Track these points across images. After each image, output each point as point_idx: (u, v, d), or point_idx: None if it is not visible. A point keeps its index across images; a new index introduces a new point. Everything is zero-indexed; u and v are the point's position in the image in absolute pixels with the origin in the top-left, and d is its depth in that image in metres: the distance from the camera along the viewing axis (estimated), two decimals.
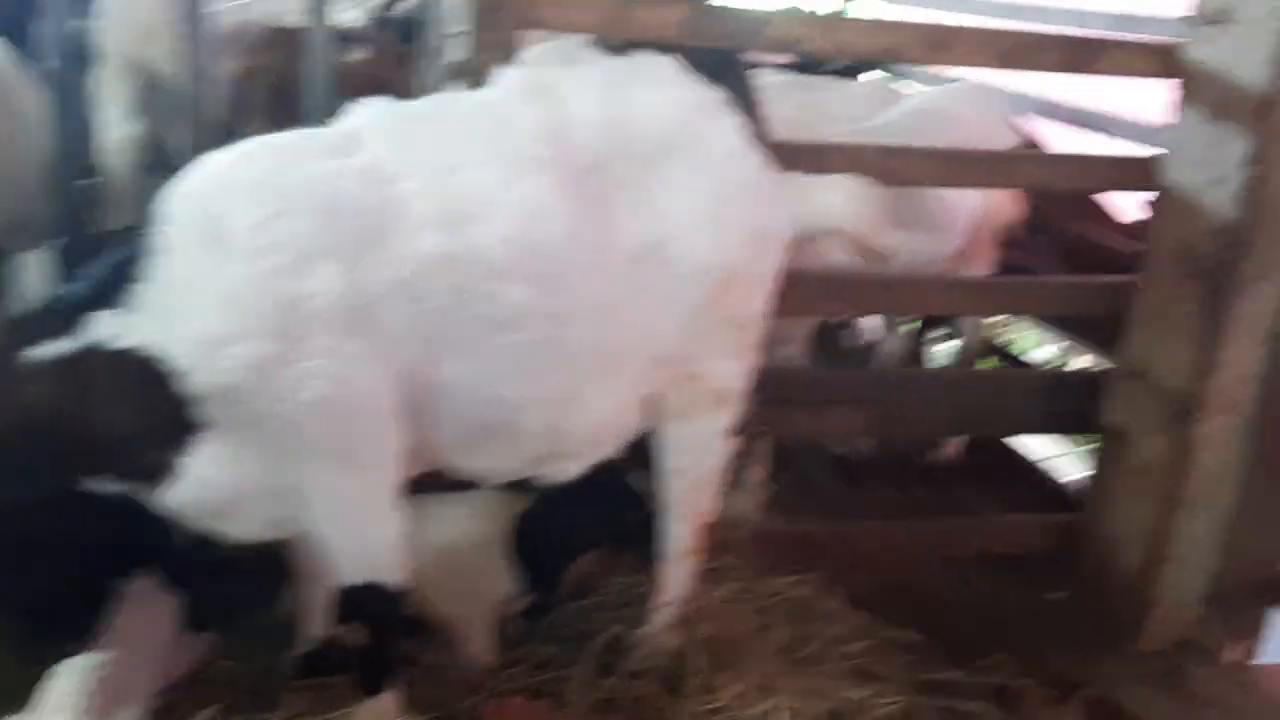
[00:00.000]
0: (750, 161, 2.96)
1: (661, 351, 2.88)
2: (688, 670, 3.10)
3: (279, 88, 3.72)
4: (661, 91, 2.89)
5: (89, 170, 3.57)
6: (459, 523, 3.30)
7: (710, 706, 2.98)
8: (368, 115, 2.70)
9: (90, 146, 3.59)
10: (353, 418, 2.50)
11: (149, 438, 2.51)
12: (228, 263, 2.41)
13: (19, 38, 3.99)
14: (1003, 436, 5.00)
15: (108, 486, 2.62)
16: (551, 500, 3.25)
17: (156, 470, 2.53)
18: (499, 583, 3.28)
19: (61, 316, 2.53)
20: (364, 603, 2.70)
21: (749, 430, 3.52)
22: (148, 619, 2.87)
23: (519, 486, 3.20)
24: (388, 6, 4.60)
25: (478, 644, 3.25)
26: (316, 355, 2.42)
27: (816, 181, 3.28)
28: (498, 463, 2.84)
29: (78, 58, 3.16)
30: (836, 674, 3.25)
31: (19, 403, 2.50)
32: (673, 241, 2.79)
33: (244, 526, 2.66)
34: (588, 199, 2.70)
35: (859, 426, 4.17)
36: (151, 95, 4.18)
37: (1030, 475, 4.95)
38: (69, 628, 2.75)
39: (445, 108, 2.84)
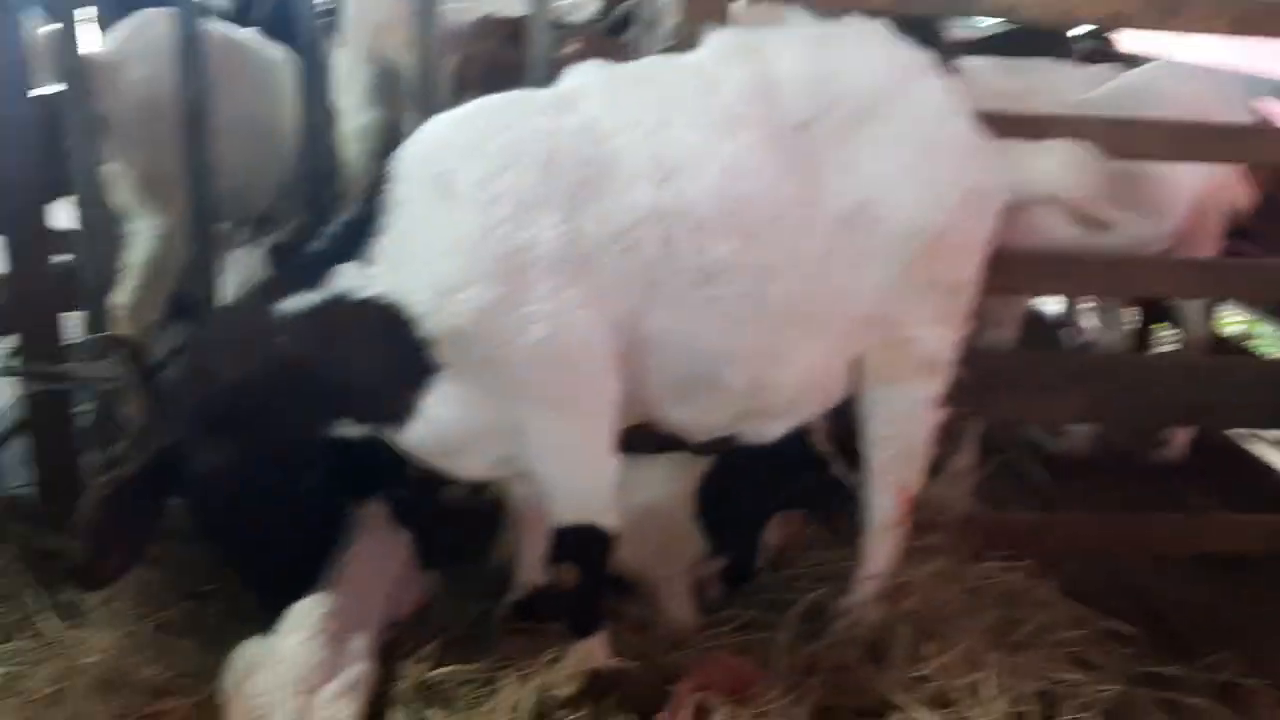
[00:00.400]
0: (961, 122, 2.93)
1: (867, 312, 2.88)
2: (892, 641, 3.06)
3: (492, 73, 3.91)
4: (870, 51, 2.90)
5: (331, 154, 3.81)
6: (648, 484, 3.35)
7: (915, 675, 2.93)
8: (583, 77, 2.82)
9: (333, 132, 3.83)
10: (571, 361, 2.61)
11: (390, 381, 2.69)
12: (456, 214, 2.57)
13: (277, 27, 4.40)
14: (1228, 429, 4.74)
15: (351, 430, 2.81)
16: (732, 462, 3.30)
17: (397, 412, 2.70)
18: (688, 543, 3.33)
19: (307, 272, 2.75)
20: (577, 544, 2.81)
21: (957, 412, 3.47)
22: (381, 553, 3.06)
23: (720, 445, 3.26)
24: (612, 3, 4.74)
25: (676, 605, 3.30)
26: (538, 300, 2.55)
27: (1032, 147, 3.19)
28: (702, 417, 2.90)
29: (321, 47, 3.41)
30: (1048, 659, 3.14)
31: (274, 353, 2.74)
32: (881, 200, 2.79)
33: (471, 464, 2.81)
34: (794, 156, 2.73)
35: (1073, 412, 4.02)
36: (387, 84, 4.46)
37: (1261, 474, 4.65)
38: (309, 561, 2.96)
39: (656, 69, 2.93)
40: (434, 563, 3.23)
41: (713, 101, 2.73)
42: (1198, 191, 4.14)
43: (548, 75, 3.27)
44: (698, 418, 2.91)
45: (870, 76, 2.84)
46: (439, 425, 2.69)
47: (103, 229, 3.48)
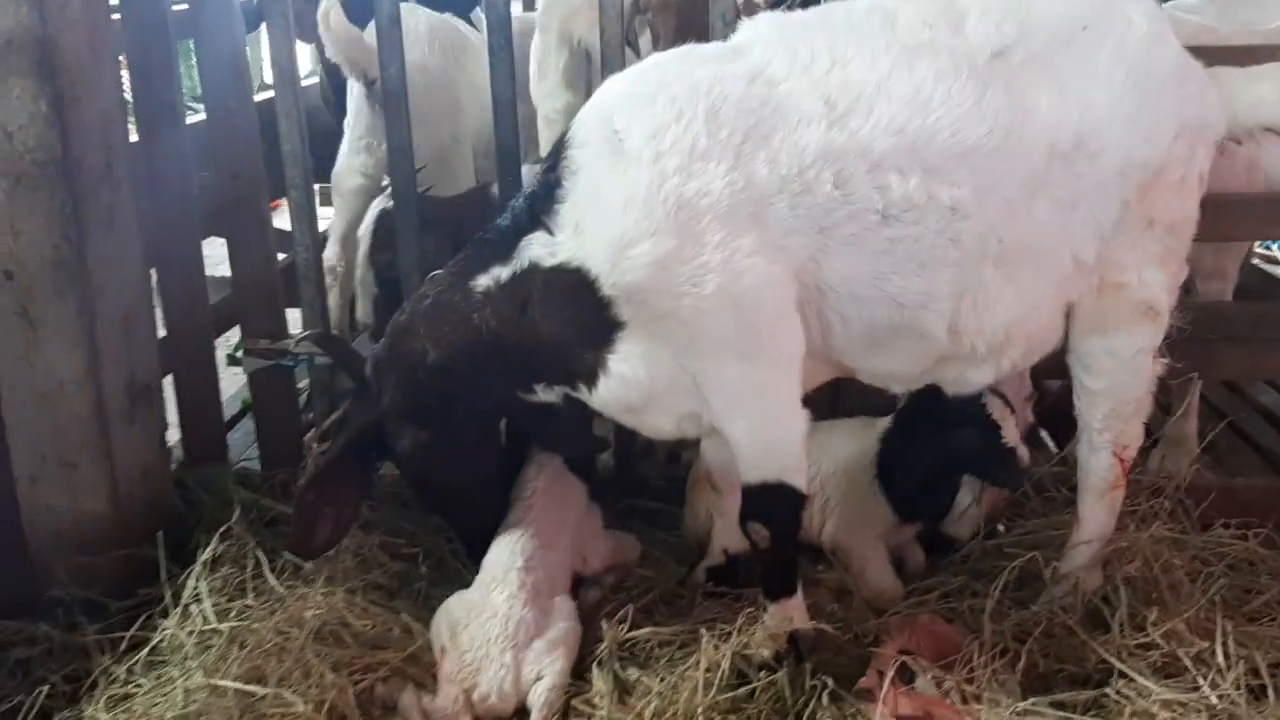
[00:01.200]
0: (1171, 48, 2.74)
1: (1081, 253, 2.72)
2: (1112, 607, 2.89)
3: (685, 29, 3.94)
4: None
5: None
6: (829, 450, 3.30)
7: (1139, 642, 2.75)
8: (755, 28, 2.77)
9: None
10: (749, 310, 2.56)
11: (580, 343, 2.73)
12: (628, 171, 2.56)
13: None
14: None
15: (547, 393, 2.87)
16: (905, 427, 3.22)
17: (587, 372, 2.74)
18: (874, 509, 3.26)
19: (499, 245, 2.83)
20: (766, 503, 2.76)
21: (1178, 370, 3.25)
22: (561, 504, 3.16)
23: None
24: None
25: (874, 572, 3.22)
26: (711, 250, 2.52)
27: (1244, 74, 2.94)
28: (899, 365, 2.81)
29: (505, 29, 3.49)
30: None
31: (474, 325, 2.83)
32: (1096, 133, 2.63)
33: (659, 421, 2.82)
34: (989, 86, 2.60)
35: None
36: (580, 67, 4.53)
37: None
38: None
39: (830, 12, 2.83)
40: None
41: (890, 37, 2.64)
42: None
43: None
44: (894, 366, 2.83)
45: (1064, 3, 2.69)
46: (625, 383, 2.70)
47: (314, 225, 3.67)
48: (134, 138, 3.55)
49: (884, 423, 3.33)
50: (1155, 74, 2.68)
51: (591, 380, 2.75)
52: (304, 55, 5.68)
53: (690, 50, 2.80)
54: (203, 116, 3.83)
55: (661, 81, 2.65)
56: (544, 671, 2.74)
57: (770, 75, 2.61)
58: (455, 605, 2.90)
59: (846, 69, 2.60)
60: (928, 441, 3.18)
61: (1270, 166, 3.39)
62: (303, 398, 4.10)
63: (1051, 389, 3.72)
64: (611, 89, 2.77)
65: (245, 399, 4.36)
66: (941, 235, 2.60)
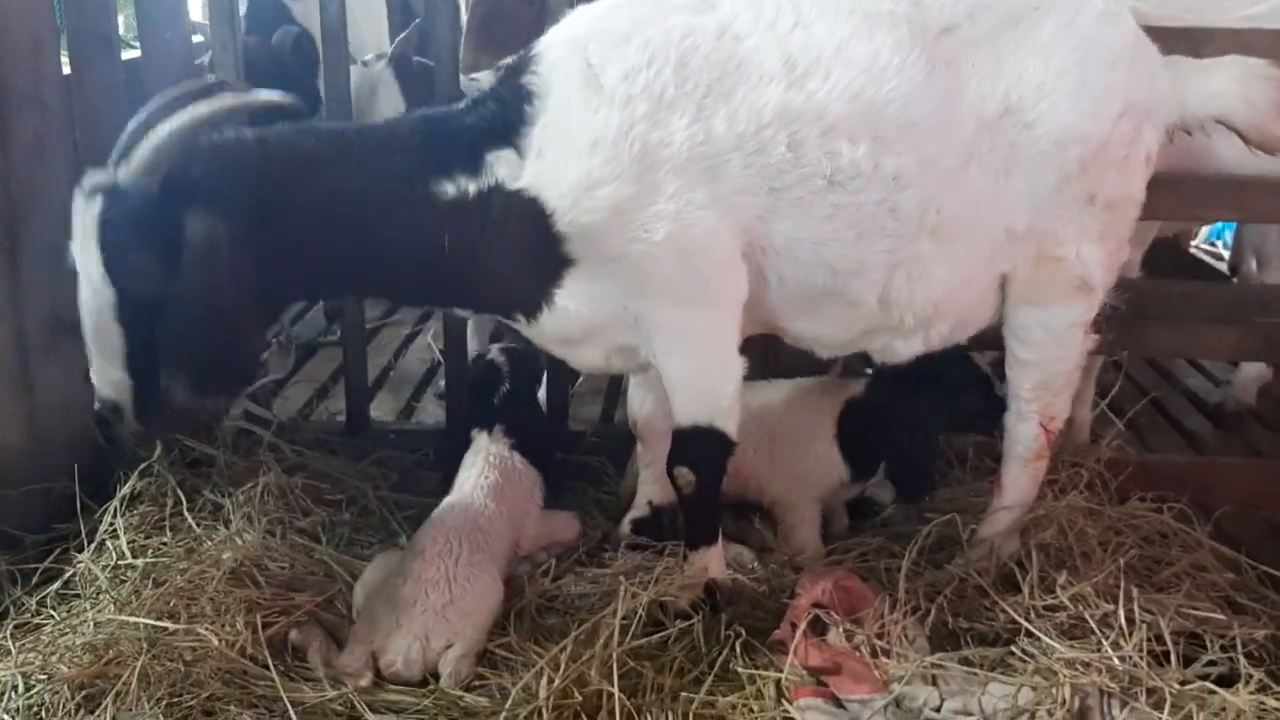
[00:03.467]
0: (1124, 26, 2.77)
1: (1013, 225, 2.75)
2: (1024, 570, 2.94)
3: None
4: None
5: None
6: (795, 407, 3.32)
7: (1046, 604, 2.80)
8: None
9: None
10: (697, 259, 2.56)
11: (528, 274, 2.67)
12: (600, 110, 2.52)
13: None
14: None
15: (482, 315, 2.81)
16: (893, 385, 3.23)
17: (531, 304, 2.69)
18: (827, 469, 3.28)
19: (466, 151, 2.63)
20: (696, 447, 2.77)
21: (1108, 347, 3.31)
22: (511, 485, 3.13)
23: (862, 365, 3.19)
24: None
25: (804, 531, 3.26)
26: (665, 199, 2.52)
27: (1199, 65, 2.98)
28: (827, 331, 2.84)
29: None
30: (1195, 600, 2.96)
31: (434, 240, 2.63)
32: (1034, 105, 2.65)
33: (590, 356, 2.81)
34: (938, 59, 2.62)
35: (1233, 347, 3.77)
36: None
37: None
38: None
39: None
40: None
41: (853, 2, 2.64)
42: None
43: None
44: (822, 331, 2.85)
45: None
46: (568, 316, 2.67)
47: None
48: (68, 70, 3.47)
49: (852, 386, 3.35)
50: (1105, 51, 2.70)
51: (533, 312, 2.70)
52: None
53: None
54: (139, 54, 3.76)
55: (636, 21, 2.61)
56: (455, 639, 2.68)
57: (737, 29, 2.60)
58: (376, 566, 2.88)
59: (809, 29, 2.60)
60: (931, 402, 3.20)
61: (1223, 159, 3.42)
62: None
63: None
64: (585, 17, 2.69)
65: None
66: (881, 205, 2.62)
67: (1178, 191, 3.32)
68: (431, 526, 2.95)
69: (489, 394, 3.36)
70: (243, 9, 5.29)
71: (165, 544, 3.04)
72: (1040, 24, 2.68)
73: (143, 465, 3.22)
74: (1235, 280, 5.40)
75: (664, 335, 2.68)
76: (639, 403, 3.17)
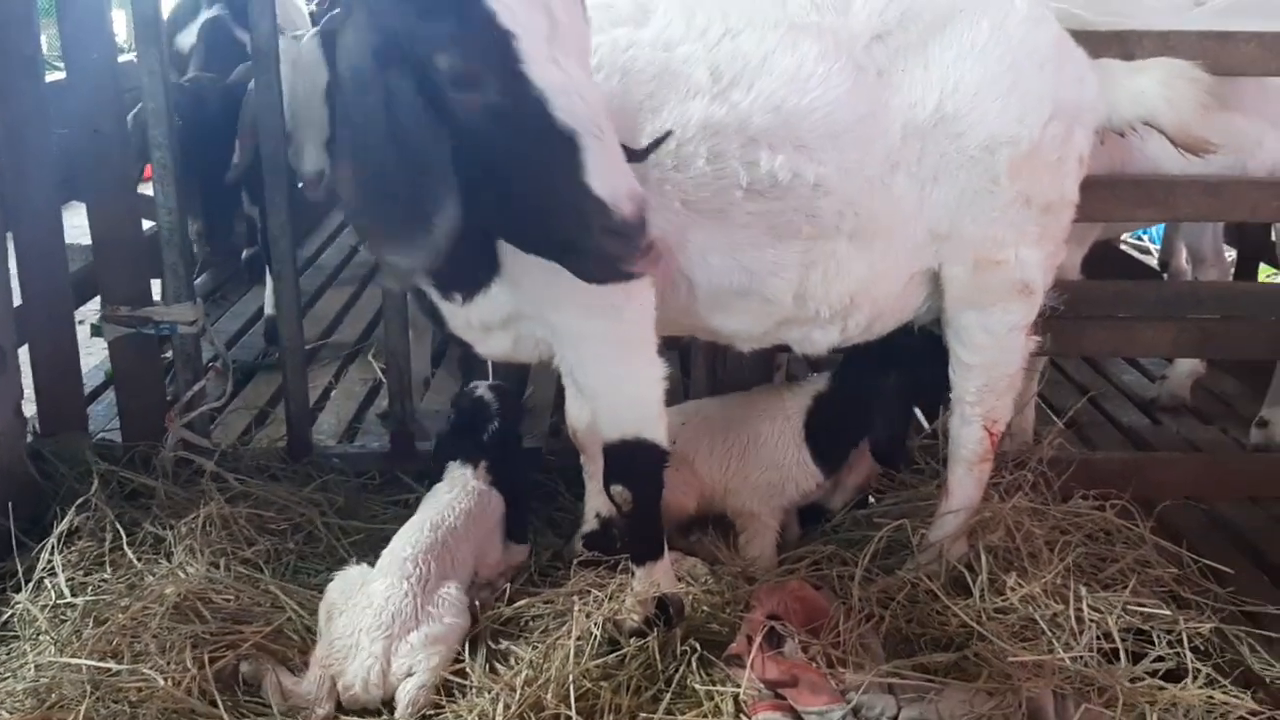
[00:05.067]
0: (1049, 29, 2.80)
1: (939, 226, 2.77)
2: (974, 574, 2.97)
3: None
4: None
5: None
6: (760, 416, 3.32)
7: (997, 606, 2.84)
8: None
9: None
10: None
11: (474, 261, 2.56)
12: None
13: None
14: None
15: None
16: (864, 370, 3.24)
17: (469, 288, 2.61)
18: (796, 473, 3.28)
19: None
20: (628, 461, 2.71)
21: (1048, 347, 3.36)
22: (474, 513, 3.07)
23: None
24: None
25: (762, 540, 3.25)
26: None
27: (1128, 67, 3.03)
28: (746, 326, 2.84)
29: None
30: (1140, 594, 3.02)
31: None
32: (966, 114, 2.68)
33: (498, 345, 2.77)
34: (868, 67, 2.63)
35: (1168, 344, 3.85)
36: None
37: None
38: None
39: None
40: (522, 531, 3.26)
41: (780, 13, 2.65)
42: None
43: None
44: (738, 326, 2.85)
45: None
46: (492, 304, 2.61)
47: (178, 187, 3.53)
48: None
49: (815, 384, 3.35)
50: (1033, 55, 2.73)
51: (470, 296, 2.62)
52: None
53: (603, 6, 2.67)
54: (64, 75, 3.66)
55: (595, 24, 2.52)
56: (416, 667, 2.61)
57: (669, 38, 2.59)
58: (335, 587, 2.82)
59: (737, 40, 2.60)
60: (903, 376, 3.20)
61: (1156, 161, 3.49)
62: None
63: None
64: None
65: (109, 369, 4.20)
66: (799, 211, 2.63)
67: (1111, 192, 3.38)
68: (399, 546, 2.89)
69: (476, 430, 3.31)
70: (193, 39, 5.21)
71: (106, 580, 2.96)
72: (968, 29, 2.70)
73: (80, 499, 3.13)
74: (1166, 276, 5.54)
75: (579, 347, 2.65)
76: (578, 412, 3.14)
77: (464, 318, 2.70)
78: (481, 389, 3.40)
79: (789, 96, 2.57)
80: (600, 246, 2.08)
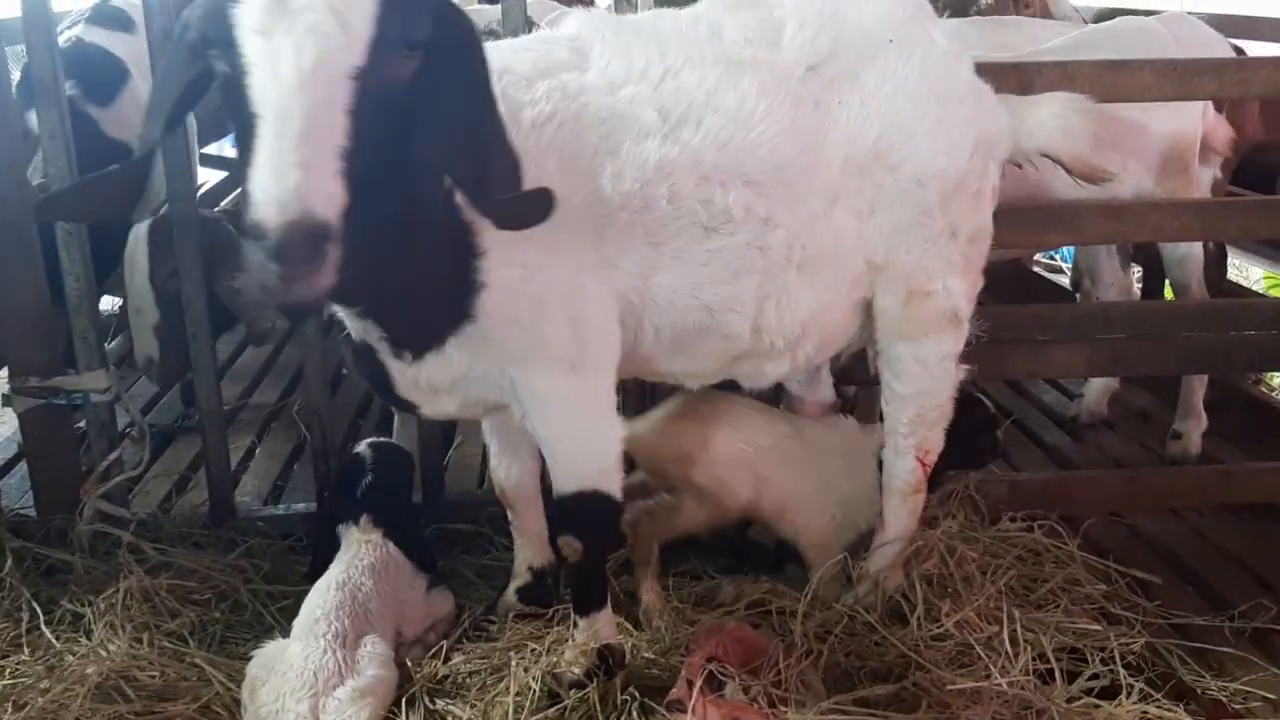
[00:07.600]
0: (967, 66, 2.88)
1: (874, 255, 2.82)
2: (910, 603, 2.99)
3: None
4: None
5: None
6: (849, 453, 3.29)
7: (934, 634, 2.86)
8: (587, 24, 2.70)
9: None
10: (580, 324, 2.55)
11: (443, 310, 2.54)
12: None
13: None
14: (1242, 372, 4.69)
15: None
16: None
17: (426, 345, 2.57)
18: (868, 509, 3.24)
19: None
20: (580, 513, 2.71)
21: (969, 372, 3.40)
22: (389, 568, 3.02)
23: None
24: None
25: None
26: (554, 266, 2.49)
27: (1025, 101, 3.11)
28: (696, 365, 2.86)
29: None
30: (1072, 613, 3.07)
31: None
32: (900, 147, 2.73)
33: (447, 404, 2.73)
34: (805, 99, 2.67)
35: (1083, 365, 3.94)
36: None
37: None
38: None
39: (660, 20, 2.82)
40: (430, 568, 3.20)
41: (714, 51, 2.66)
42: (1172, 134, 3.94)
43: None
44: (695, 366, 2.86)
45: (875, 18, 2.77)
46: (443, 365, 2.58)
47: (85, 251, 3.43)
48: None
49: (877, 431, 3.26)
50: (955, 90, 2.81)
51: (421, 354, 2.59)
52: None
53: (546, 43, 2.70)
54: None
55: (538, 70, 2.55)
56: None
57: (611, 79, 2.59)
58: (256, 663, 2.73)
59: (679, 78, 2.61)
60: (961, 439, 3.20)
61: (1060, 192, 3.57)
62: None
63: (850, 395, 3.83)
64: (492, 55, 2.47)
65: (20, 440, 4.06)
66: (751, 245, 2.65)
67: (1021, 219, 3.46)
68: (309, 609, 2.83)
69: (352, 487, 3.24)
70: None
71: (23, 662, 2.85)
72: (897, 63, 2.75)
73: None
74: (1078, 296, 5.67)
75: (540, 401, 2.64)
76: (505, 470, 3.10)
77: (411, 377, 2.65)
78: (361, 447, 3.33)
79: (735, 133, 2.60)
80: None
